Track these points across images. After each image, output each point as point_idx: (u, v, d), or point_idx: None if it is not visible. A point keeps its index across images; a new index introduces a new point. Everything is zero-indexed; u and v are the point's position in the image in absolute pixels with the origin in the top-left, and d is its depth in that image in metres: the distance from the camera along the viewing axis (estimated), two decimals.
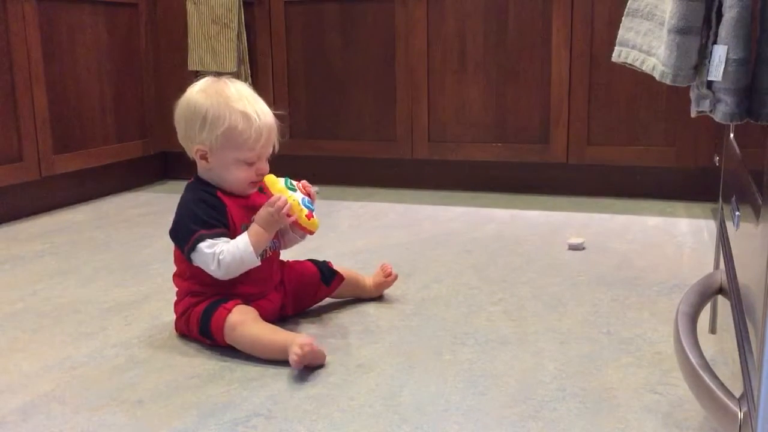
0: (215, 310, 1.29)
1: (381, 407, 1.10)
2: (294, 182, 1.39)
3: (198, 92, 1.33)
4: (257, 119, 1.32)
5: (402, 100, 2.69)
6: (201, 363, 1.27)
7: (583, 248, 1.93)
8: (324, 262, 1.52)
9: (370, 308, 1.52)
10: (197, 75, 2.78)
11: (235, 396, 1.15)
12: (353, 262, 1.84)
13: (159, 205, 2.55)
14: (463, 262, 1.84)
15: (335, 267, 1.52)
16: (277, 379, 1.20)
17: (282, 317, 1.44)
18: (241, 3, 2.74)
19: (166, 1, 2.87)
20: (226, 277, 1.29)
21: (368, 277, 1.56)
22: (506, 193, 2.67)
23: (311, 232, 1.37)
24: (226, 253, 1.27)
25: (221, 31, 2.76)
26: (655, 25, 0.94)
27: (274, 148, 1.38)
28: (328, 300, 1.54)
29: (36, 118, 2.37)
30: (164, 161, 2.97)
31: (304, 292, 1.47)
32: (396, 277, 1.57)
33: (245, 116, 1.30)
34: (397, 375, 1.21)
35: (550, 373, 1.21)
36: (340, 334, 1.38)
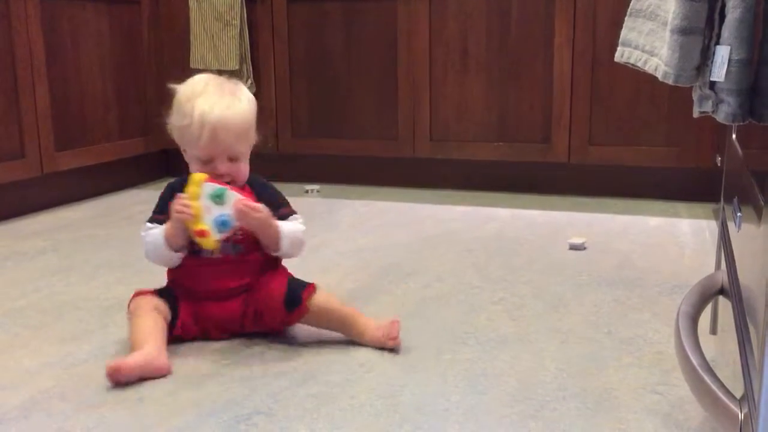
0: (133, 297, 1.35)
1: (381, 406, 1.10)
2: (233, 194, 1.27)
3: (183, 84, 1.35)
4: (205, 117, 1.27)
5: (404, 99, 2.69)
6: (202, 361, 1.27)
7: (585, 248, 1.93)
8: (302, 284, 1.33)
9: (371, 307, 1.52)
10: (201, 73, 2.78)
11: (237, 394, 1.15)
12: (354, 261, 1.84)
13: None
14: (465, 261, 1.84)
15: (322, 294, 1.34)
16: (279, 377, 1.20)
17: (248, 332, 1.36)
18: (244, 1, 2.74)
19: None
20: (154, 263, 1.36)
21: (372, 321, 1.33)
22: (508, 192, 2.67)
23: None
24: (147, 236, 1.34)
25: (223, 28, 2.76)
26: (658, 25, 0.94)
27: (250, 141, 1.35)
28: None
29: (38, 115, 2.37)
30: (166, 158, 2.97)
31: (266, 312, 1.32)
32: (398, 344, 1.30)
33: (196, 113, 1.28)
34: (397, 374, 1.21)
35: (551, 372, 1.21)
36: (340, 334, 1.38)
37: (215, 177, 1.29)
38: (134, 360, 1.19)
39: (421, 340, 1.35)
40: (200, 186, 1.27)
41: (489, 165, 2.69)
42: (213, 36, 2.78)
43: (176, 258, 1.33)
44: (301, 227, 1.38)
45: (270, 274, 1.36)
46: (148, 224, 1.35)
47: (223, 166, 1.31)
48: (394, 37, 2.66)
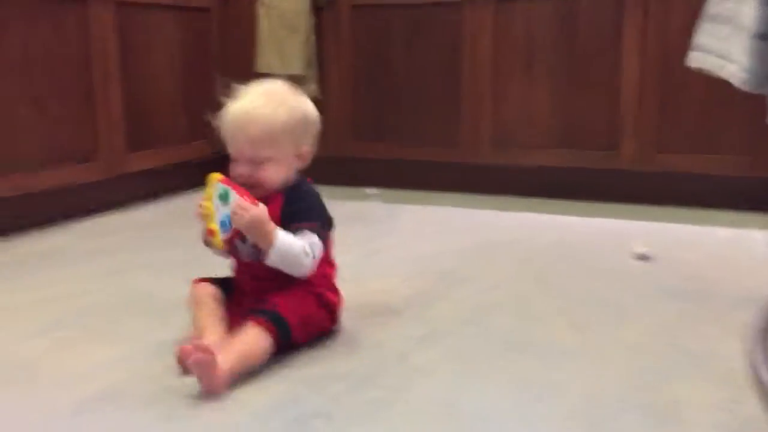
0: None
1: (439, 413, 1.10)
2: (235, 195, 1.25)
3: (294, 98, 1.35)
4: (225, 117, 1.31)
5: (466, 104, 2.68)
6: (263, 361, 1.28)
7: (650, 258, 1.88)
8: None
9: (427, 313, 1.51)
10: (267, 78, 2.83)
11: (295, 395, 1.16)
12: (412, 266, 1.84)
13: None
14: (524, 269, 1.82)
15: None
16: (339, 380, 1.21)
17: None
18: (311, 8, 2.78)
19: (237, 5, 2.94)
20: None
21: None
22: (570, 199, 2.63)
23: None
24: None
25: (290, 34, 2.80)
26: (736, 30, 0.91)
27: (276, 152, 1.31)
28: (386, 304, 1.54)
29: (111, 118, 2.45)
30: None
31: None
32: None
33: (224, 113, 1.32)
34: (455, 381, 1.20)
35: (613, 385, 1.18)
36: (398, 338, 1.38)
37: (234, 178, 1.30)
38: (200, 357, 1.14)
39: (478, 347, 1.34)
40: (213, 186, 1.28)
41: (552, 171, 2.65)
42: (280, 41, 2.82)
43: (223, 254, 1.36)
44: (303, 245, 1.26)
45: (294, 288, 1.30)
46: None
47: (240, 168, 1.31)
48: (458, 42, 2.65)
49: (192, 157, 2.83)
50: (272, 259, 1.25)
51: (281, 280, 1.29)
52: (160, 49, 2.65)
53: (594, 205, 2.54)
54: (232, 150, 1.32)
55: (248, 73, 2.85)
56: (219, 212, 1.27)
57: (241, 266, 1.38)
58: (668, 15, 2.38)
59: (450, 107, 2.71)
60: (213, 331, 1.25)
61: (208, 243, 1.33)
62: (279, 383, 1.20)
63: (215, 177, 1.28)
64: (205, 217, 1.29)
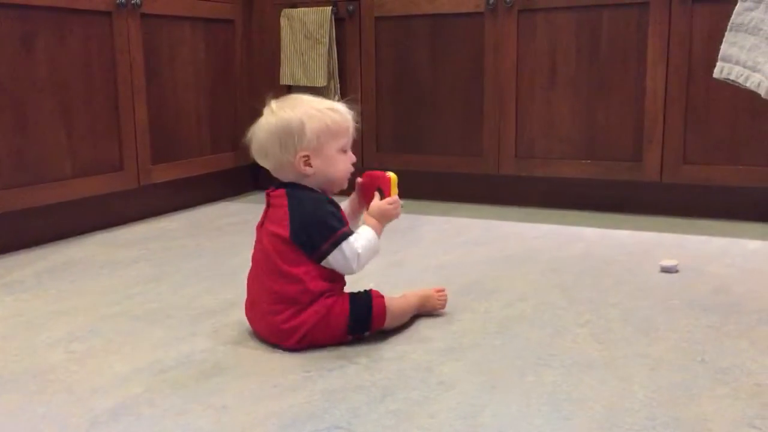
0: (371, 305, 1.39)
1: (462, 426, 1.09)
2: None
3: (279, 110, 1.39)
4: (342, 108, 1.42)
5: (489, 115, 2.67)
6: (284, 372, 1.28)
7: (677, 271, 1.86)
8: (365, 306, 1.42)
9: (452, 325, 1.50)
10: (289, 89, 2.85)
11: (317, 407, 1.15)
12: (435, 277, 1.83)
13: (249, 214, 2.61)
14: (549, 281, 1.80)
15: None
16: (358, 392, 1.20)
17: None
18: (333, 19, 2.79)
19: (260, 17, 2.96)
20: (360, 270, 1.40)
21: (425, 291, 1.57)
22: (595, 211, 2.60)
23: None
24: (362, 248, 1.38)
25: (313, 46, 2.82)
26: (762, 40, 0.90)
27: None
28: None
29: (137, 129, 2.48)
30: (255, 172, 3.05)
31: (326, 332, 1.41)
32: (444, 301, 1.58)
33: (333, 109, 1.40)
34: (478, 394, 1.19)
35: (640, 400, 1.16)
36: (421, 350, 1.37)
37: (352, 165, 1.45)
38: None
39: (502, 360, 1.33)
40: (395, 182, 1.46)
41: (576, 183, 2.63)
42: (303, 53, 2.84)
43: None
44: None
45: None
46: (351, 238, 1.37)
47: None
48: (481, 52, 2.65)
49: (216, 168, 2.85)
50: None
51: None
52: (184, 61, 2.68)
53: (619, 217, 2.51)
54: (348, 136, 1.43)
55: (272, 84, 2.87)
56: None
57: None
58: (692, 25, 2.35)
59: (473, 118, 2.70)
60: (406, 296, 1.52)
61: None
62: (298, 395, 1.20)
63: (394, 175, 1.46)
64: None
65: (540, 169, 2.63)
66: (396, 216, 1.44)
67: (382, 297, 1.42)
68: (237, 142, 2.90)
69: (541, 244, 2.17)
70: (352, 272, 1.39)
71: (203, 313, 1.60)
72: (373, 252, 1.41)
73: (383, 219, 1.44)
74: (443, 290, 1.57)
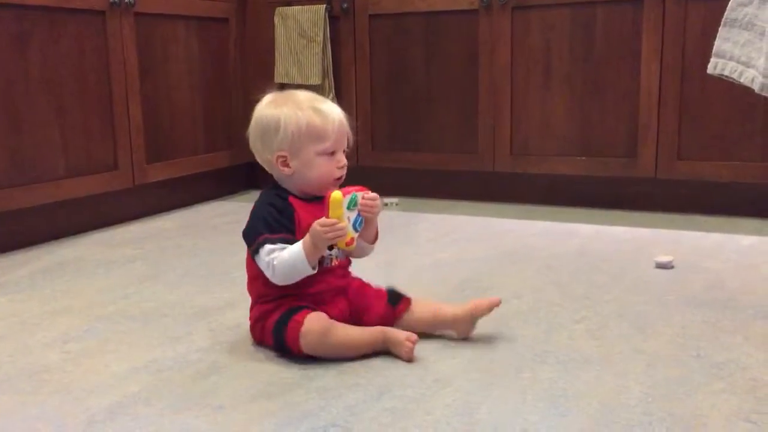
0: (287, 325, 1.30)
1: (458, 424, 1.09)
2: (359, 195, 1.33)
3: (266, 106, 1.38)
4: (328, 111, 1.37)
5: (484, 113, 2.67)
6: (280, 371, 1.28)
7: (672, 267, 1.86)
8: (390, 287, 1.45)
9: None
10: (283, 87, 2.84)
11: (313, 405, 1.15)
12: (432, 275, 1.83)
13: (244, 214, 2.59)
14: (545, 277, 1.80)
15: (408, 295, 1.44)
16: (355, 390, 1.20)
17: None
18: (327, 16, 2.79)
19: (254, 16, 2.96)
20: (282, 283, 1.32)
21: (455, 308, 1.41)
22: (590, 208, 2.61)
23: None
24: (278, 261, 1.29)
25: (307, 44, 2.81)
26: (755, 35, 0.90)
27: (349, 141, 1.39)
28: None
29: (131, 129, 2.47)
30: (250, 171, 3.05)
31: (370, 308, 1.40)
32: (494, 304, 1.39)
33: (316, 111, 1.35)
34: (474, 391, 1.19)
35: (636, 396, 1.17)
36: (418, 347, 1.37)
37: (338, 168, 1.38)
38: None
39: (498, 357, 1.33)
40: (339, 203, 1.30)
41: (571, 180, 2.63)
42: (297, 52, 2.84)
43: (311, 270, 1.31)
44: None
45: (355, 278, 1.46)
46: (270, 246, 1.30)
47: (344, 158, 1.39)
48: (476, 50, 2.65)
49: (211, 167, 2.85)
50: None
51: (346, 272, 1.45)
52: (178, 60, 2.67)
53: (614, 214, 2.51)
54: (331, 139, 1.37)
55: (267, 83, 2.86)
56: (350, 221, 1.33)
57: (323, 274, 1.36)
58: (686, 21, 2.36)
59: (468, 115, 2.70)
60: (363, 329, 1.36)
61: (331, 249, 1.37)
62: (294, 393, 1.20)
63: (337, 195, 1.30)
64: (342, 234, 1.30)
65: (535, 166, 2.63)
66: (329, 240, 1.28)
67: (301, 322, 1.28)
68: (232, 141, 2.90)
69: (537, 241, 2.17)
70: (274, 282, 1.31)
71: (199, 313, 1.60)
72: (293, 269, 1.29)
73: (313, 239, 1.28)
74: (414, 339, 1.32)
